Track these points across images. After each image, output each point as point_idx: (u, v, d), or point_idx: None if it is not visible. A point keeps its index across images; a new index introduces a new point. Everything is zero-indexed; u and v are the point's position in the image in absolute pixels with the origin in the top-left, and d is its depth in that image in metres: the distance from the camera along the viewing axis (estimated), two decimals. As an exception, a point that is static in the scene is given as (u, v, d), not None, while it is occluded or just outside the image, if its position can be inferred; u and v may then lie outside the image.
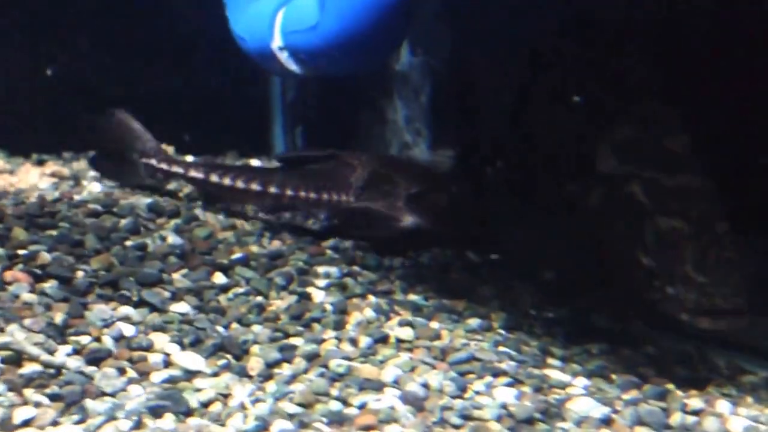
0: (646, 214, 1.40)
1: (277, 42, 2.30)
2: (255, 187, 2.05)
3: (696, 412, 1.27)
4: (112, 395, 1.28)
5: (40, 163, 2.65)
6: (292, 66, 2.32)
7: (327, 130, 2.92)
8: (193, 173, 2.14)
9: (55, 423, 1.19)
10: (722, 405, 1.30)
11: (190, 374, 1.38)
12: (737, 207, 1.38)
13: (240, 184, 2.07)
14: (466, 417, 1.25)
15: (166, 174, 2.17)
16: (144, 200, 2.08)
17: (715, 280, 1.32)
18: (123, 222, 1.89)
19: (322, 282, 1.72)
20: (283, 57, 2.31)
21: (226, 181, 2.08)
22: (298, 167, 2.08)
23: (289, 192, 2.02)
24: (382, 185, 1.95)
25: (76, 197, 2.10)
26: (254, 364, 1.42)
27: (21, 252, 1.63)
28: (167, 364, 1.40)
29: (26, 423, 1.18)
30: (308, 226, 1.99)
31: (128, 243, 1.77)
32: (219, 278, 1.70)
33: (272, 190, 2.04)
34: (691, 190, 1.40)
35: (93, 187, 2.29)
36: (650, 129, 1.49)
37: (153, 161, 2.18)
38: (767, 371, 1.44)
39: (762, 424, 1.22)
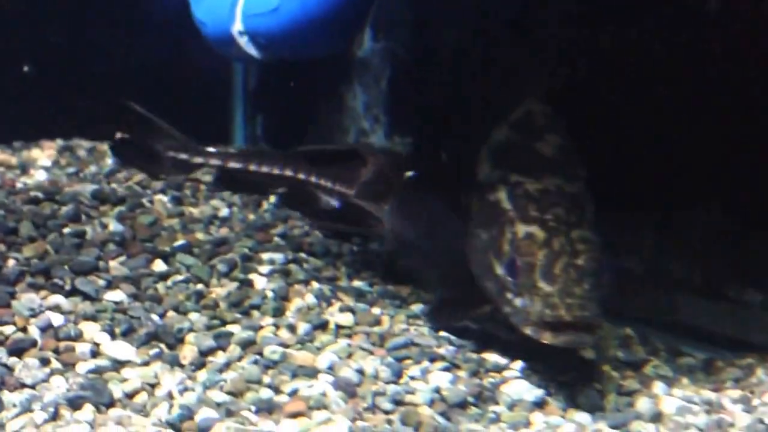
0: (508, 221, 1.34)
1: (237, 26, 2.26)
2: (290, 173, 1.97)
3: (630, 393, 1.25)
4: (32, 387, 1.24)
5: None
6: (252, 51, 2.28)
7: (287, 118, 2.89)
8: (232, 164, 2.05)
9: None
10: (657, 386, 1.28)
11: (118, 364, 1.34)
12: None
13: (288, 172, 1.98)
14: (398, 402, 1.23)
15: (198, 166, 2.11)
16: (89, 187, 2.05)
17: (561, 290, 1.24)
18: (63, 209, 1.85)
19: (265, 269, 1.69)
20: (243, 41, 2.26)
21: (267, 169, 2.01)
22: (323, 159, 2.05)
23: (313, 179, 1.98)
24: (381, 185, 1.92)
25: (18, 185, 2.06)
26: (187, 353, 1.39)
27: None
28: (95, 354, 1.36)
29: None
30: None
31: (66, 230, 1.73)
32: (159, 266, 1.66)
33: (312, 179, 2.00)
34: (551, 194, 1.33)
35: (39, 175, 2.25)
36: (522, 132, 1.43)
37: (183, 155, 2.12)
38: (705, 353, 1.42)
39: (696, 404, 1.20)
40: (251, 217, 2.04)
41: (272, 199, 2.18)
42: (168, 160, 2.12)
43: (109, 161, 2.37)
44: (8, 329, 1.37)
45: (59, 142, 2.58)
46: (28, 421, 1.12)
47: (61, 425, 1.12)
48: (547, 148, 1.41)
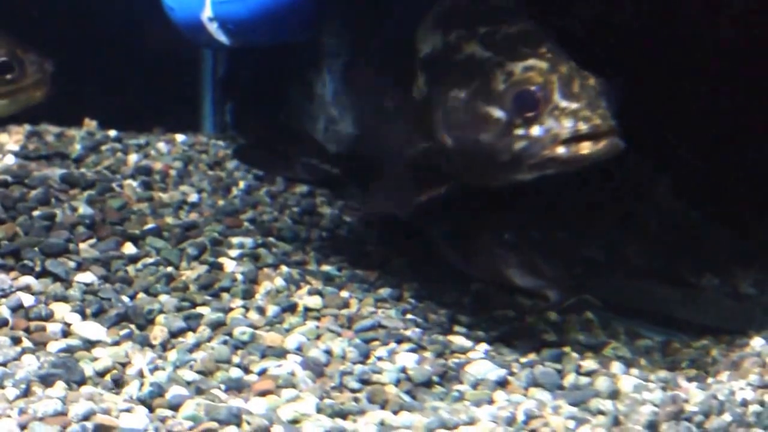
0: (494, 66, 1.34)
1: (207, 12, 2.26)
2: None
3: (589, 373, 1.30)
4: (3, 364, 1.25)
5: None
6: (221, 37, 2.28)
7: (256, 106, 2.90)
8: None
9: None
10: (616, 366, 1.33)
11: (90, 344, 1.35)
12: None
13: None
14: (365, 381, 1.26)
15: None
16: (58, 171, 2.05)
17: (586, 104, 1.24)
18: (32, 193, 1.84)
19: (235, 252, 1.70)
20: (213, 28, 2.27)
21: None
22: None
23: None
24: None
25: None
26: (158, 333, 1.40)
27: None
28: (66, 334, 1.37)
29: None
30: None
31: (35, 213, 1.73)
32: (129, 249, 1.67)
33: None
34: (530, 33, 1.34)
35: (7, 159, 2.24)
36: None
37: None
38: (662, 336, 1.47)
39: (651, 382, 1.25)
40: (221, 202, 2.05)
41: (242, 185, 2.20)
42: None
43: (77, 147, 2.38)
44: (-27, 308, 1.39)
45: (27, 127, 2.58)
46: (0, 396, 1.13)
47: (33, 401, 1.14)
48: (496, 2, 1.44)
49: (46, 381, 1.20)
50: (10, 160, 2.22)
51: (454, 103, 1.37)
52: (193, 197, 2.05)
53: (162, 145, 2.44)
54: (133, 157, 2.30)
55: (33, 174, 1.99)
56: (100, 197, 1.91)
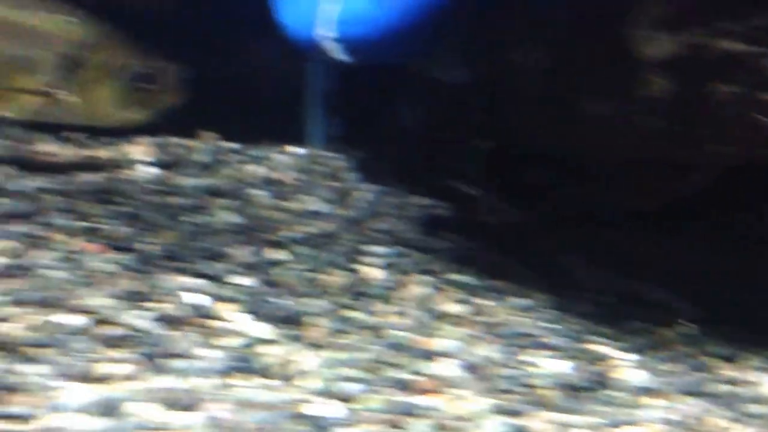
0: None
1: (326, 31, 2.39)
2: None
3: (733, 381, 1.36)
4: (188, 357, 1.36)
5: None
6: (341, 55, 2.41)
7: (362, 121, 3.01)
8: None
9: (135, 377, 1.26)
10: (756, 375, 1.39)
11: (261, 341, 1.47)
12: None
13: None
14: (523, 384, 1.34)
15: None
16: (200, 181, 2.18)
17: None
18: (184, 201, 1.99)
19: (372, 260, 1.82)
20: (332, 46, 2.39)
21: None
22: None
23: None
24: None
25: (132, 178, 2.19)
26: (318, 334, 1.51)
27: (90, 225, 1.73)
28: (236, 331, 1.49)
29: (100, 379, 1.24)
30: None
31: (191, 220, 1.87)
32: (275, 254, 1.80)
33: None
34: None
35: (149, 169, 2.37)
36: None
37: None
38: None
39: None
40: (346, 212, 2.17)
41: (364, 195, 2.31)
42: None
43: (205, 157, 2.51)
44: (158, 306, 1.51)
45: (151, 138, 2.72)
46: (189, 385, 1.24)
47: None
48: None
49: (228, 373, 1.31)
50: (152, 169, 2.38)
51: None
52: (319, 207, 2.17)
53: (282, 158, 2.58)
54: (256, 168, 2.44)
55: (179, 183, 2.14)
56: (241, 206, 2.06)
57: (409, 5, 2.18)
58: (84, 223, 1.71)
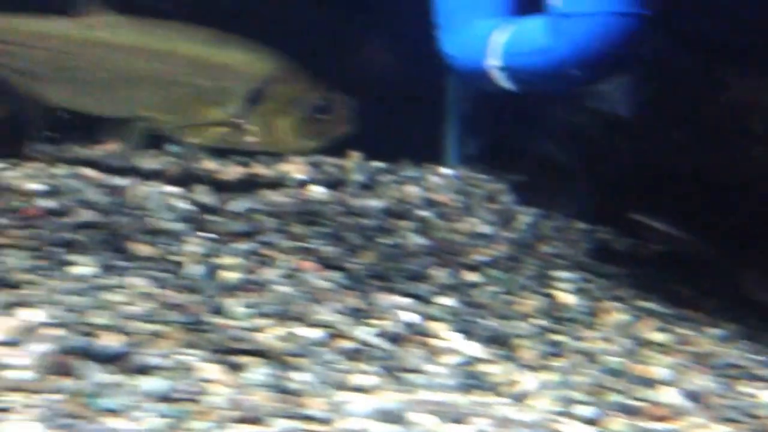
0: None
1: (494, 61, 2.46)
2: None
3: None
4: (421, 372, 1.44)
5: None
6: (508, 84, 2.48)
7: (503, 144, 3.07)
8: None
9: (384, 388, 1.33)
10: None
11: (476, 360, 1.54)
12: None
13: None
14: (749, 414, 1.37)
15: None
16: (374, 203, 2.28)
17: None
18: (367, 221, 2.09)
19: (564, 285, 1.87)
20: (499, 76, 2.47)
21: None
22: None
23: None
24: None
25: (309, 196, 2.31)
26: (528, 356, 1.57)
27: (302, 244, 1.84)
28: (452, 349, 1.56)
29: (358, 389, 1.34)
30: None
31: (384, 240, 1.97)
32: (471, 276, 1.87)
33: None
34: None
35: (317, 189, 2.48)
36: None
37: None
38: None
39: None
40: (511, 234, 2.23)
41: (525, 219, 2.37)
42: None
43: (359, 177, 2.61)
44: (379, 322, 1.59)
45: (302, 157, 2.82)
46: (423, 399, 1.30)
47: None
48: None
49: (462, 389, 1.38)
50: (320, 189, 2.49)
51: None
52: (485, 229, 2.24)
53: (435, 179, 2.66)
54: (414, 189, 2.52)
55: (353, 203, 2.24)
56: (420, 227, 2.14)
57: (584, 38, 2.24)
58: (296, 243, 1.83)
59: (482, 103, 3.19)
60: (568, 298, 1.81)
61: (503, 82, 2.55)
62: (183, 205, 1.99)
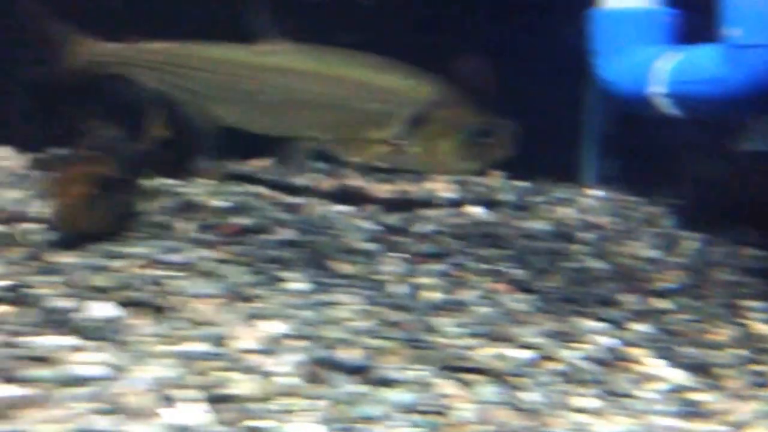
0: None
1: (658, 88, 2.46)
2: None
3: None
4: (633, 397, 1.44)
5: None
6: (673, 111, 2.47)
7: (645, 163, 3.03)
8: None
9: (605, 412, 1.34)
10: None
11: (683, 387, 1.53)
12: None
13: None
14: None
15: None
16: (541, 225, 2.30)
17: None
18: (539, 243, 2.11)
19: (757, 315, 1.84)
20: (664, 102, 2.46)
21: None
22: None
23: None
24: None
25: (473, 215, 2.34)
26: (734, 385, 1.55)
27: (492, 266, 1.88)
28: (656, 376, 1.55)
29: (580, 410, 1.35)
30: None
31: (566, 264, 1.98)
32: (660, 303, 1.86)
33: None
34: None
35: (476, 209, 2.47)
36: None
37: None
38: None
39: None
40: (680, 259, 2.20)
41: (690, 244, 2.33)
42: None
43: (510, 197, 2.62)
44: (579, 345, 1.60)
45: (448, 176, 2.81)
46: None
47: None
48: None
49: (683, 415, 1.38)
50: (479, 210, 2.52)
51: None
52: (653, 254, 2.21)
53: (587, 200, 2.66)
54: (568, 211, 2.52)
55: (516, 224, 2.27)
56: (594, 251, 2.14)
57: (764, 70, 2.20)
58: (483, 265, 1.87)
59: (624, 125, 3.20)
60: (763, 328, 1.77)
61: (667, 108, 2.55)
62: (367, 225, 2.07)
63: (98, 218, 1.68)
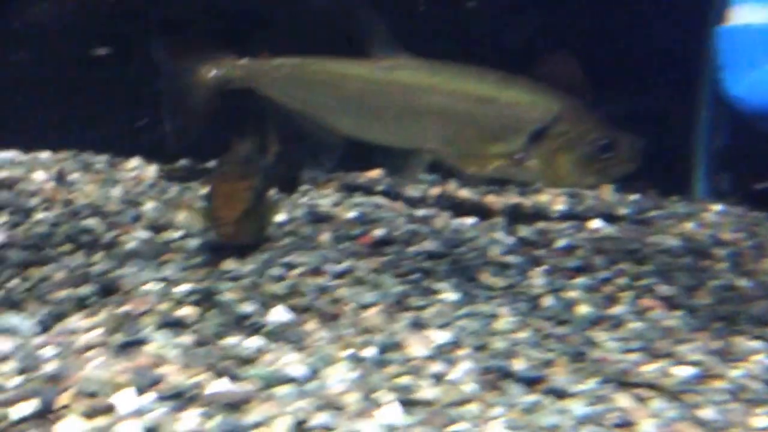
0: None
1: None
2: None
3: None
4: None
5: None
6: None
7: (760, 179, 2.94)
8: None
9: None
10: None
11: None
12: None
13: None
14: None
15: None
16: (673, 241, 2.25)
17: None
18: (680, 260, 2.06)
19: None
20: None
21: None
22: None
23: None
24: None
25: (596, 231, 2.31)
26: None
27: (638, 282, 1.85)
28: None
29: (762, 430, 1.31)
30: None
31: (712, 282, 1.93)
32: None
33: None
34: None
35: (598, 223, 2.42)
36: None
37: None
38: None
39: None
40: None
41: None
42: None
43: (625, 210, 2.56)
44: (741, 365, 1.55)
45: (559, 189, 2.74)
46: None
47: None
48: None
49: None
50: (600, 223, 2.46)
51: None
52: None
53: (707, 215, 2.58)
54: (690, 226, 2.45)
55: (651, 241, 2.22)
56: (732, 268, 2.08)
57: None
58: (628, 280, 1.84)
59: (743, 139, 3.11)
60: None
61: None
62: (500, 236, 2.07)
63: (254, 229, 1.74)
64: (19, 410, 1.12)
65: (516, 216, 2.36)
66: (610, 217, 2.41)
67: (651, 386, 1.35)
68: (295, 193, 2.40)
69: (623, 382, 1.34)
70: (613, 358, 1.44)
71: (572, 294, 1.73)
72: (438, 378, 1.24)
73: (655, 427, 1.17)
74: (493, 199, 2.65)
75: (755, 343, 1.66)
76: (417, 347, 1.33)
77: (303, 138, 2.49)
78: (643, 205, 2.63)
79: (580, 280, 1.80)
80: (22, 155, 2.75)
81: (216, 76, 2.33)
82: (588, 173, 2.34)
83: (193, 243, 1.85)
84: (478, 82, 2.32)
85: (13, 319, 1.42)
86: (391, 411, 1.10)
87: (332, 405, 1.11)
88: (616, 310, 1.69)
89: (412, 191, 2.49)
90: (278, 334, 1.31)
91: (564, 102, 2.29)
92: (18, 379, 1.23)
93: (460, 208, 2.35)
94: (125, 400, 1.14)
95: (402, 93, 2.32)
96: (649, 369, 1.44)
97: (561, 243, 2.06)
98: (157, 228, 1.98)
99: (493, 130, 2.29)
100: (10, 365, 1.27)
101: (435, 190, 2.57)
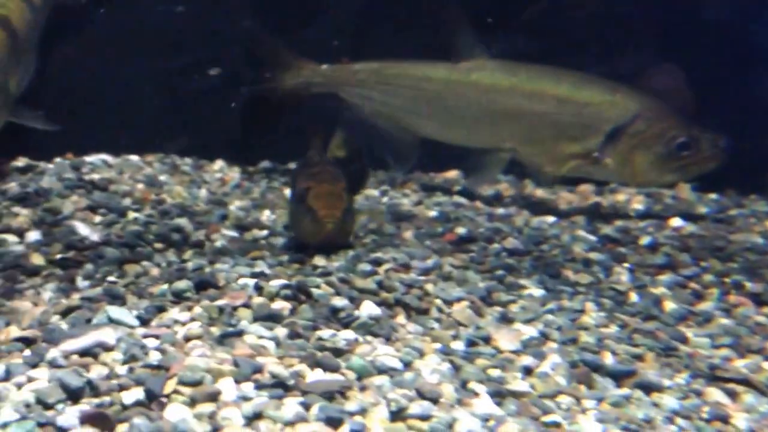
0: None
1: None
2: None
3: None
4: None
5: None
6: None
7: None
8: None
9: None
10: None
11: None
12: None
13: None
14: None
15: None
16: (759, 240, 2.21)
17: None
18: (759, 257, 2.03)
19: None
20: None
21: None
22: None
23: None
24: None
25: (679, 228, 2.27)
26: None
27: (726, 280, 1.82)
28: None
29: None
30: None
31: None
32: None
33: None
34: None
35: (677, 222, 2.41)
36: None
37: None
38: None
39: None
40: None
41: None
42: None
43: (701, 208, 2.51)
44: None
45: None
46: None
47: None
48: None
49: None
50: (681, 222, 2.39)
51: None
52: None
53: None
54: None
55: (736, 239, 2.18)
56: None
57: None
58: (714, 277, 1.81)
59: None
60: None
61: None
62: (583, 234, 2.07)
63: (347, 229, 1.78)
64: (130, 396, 1.18)
65: (595, 214, 2.36)
66: (689, 216, 2.39)
67: (742, 381, 1.34)
68: (360, 194, 2.44)
69: (714, 377, 1.33)
70: (703, 354, 1.44)
71: (658, 290, 1.72)
72: (528, 371, 1.26)
73: (748, 421, 1.16)
74: (570, 198, 2.65)
75: None
76: (505, 341, 1.35)
77: (373, 141, 2.55)
78: (723, 203, 2.59)
79: (666, 277, 1.79)
80: (112, 158, 2.88)
81: (300, 81, 2.39)
82: (666, 171, 2.31)
83: (280, 241, 1.91)
84: (556, 82, 2.33)
85: (115, 312, 1.49)
86: (485, 402, 1.12)
87: (428, 395, 1.15)
88: (704, 306, 1.67)
89: (489, 191, 2.50)
90: (369, 327, 1.35)
91: (643, 101, 2.28)
92: (124, 368, 1.30)
93: (538, 207, 2.36)
94: (228, 388, 1.19)
95: (480, 94, 2.34)
96: (740, 365, 1.43)
97: (645, 240, 2.05)
98: (243, 227, 2.05)
99: (571, 129, 2.30)
100: (116, 355, 1.34)
101: (511, 190, 2.59)
